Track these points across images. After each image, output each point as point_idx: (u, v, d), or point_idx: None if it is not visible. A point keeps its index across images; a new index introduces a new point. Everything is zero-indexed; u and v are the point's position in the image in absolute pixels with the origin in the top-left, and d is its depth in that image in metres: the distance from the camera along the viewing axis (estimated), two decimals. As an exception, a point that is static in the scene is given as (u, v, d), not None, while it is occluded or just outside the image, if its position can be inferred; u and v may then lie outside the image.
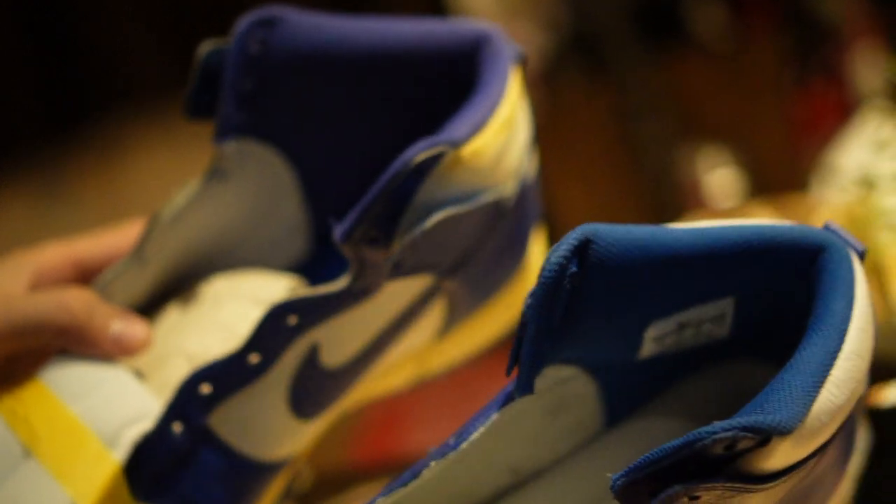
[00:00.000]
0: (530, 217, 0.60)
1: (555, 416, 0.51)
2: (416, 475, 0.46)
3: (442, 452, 0.46)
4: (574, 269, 0.44)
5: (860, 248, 0.47)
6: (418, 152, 0.50)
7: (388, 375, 0.60)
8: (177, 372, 0.55)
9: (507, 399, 0.46)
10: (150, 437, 0.52)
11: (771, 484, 0.41)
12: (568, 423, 0.51)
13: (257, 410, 0.53)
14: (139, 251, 0.56)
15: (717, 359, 0.52)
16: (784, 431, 0.40)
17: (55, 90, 1.74)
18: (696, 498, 0.41)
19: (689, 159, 1.44)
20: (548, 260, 0.44)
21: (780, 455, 0.41)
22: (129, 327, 0.54)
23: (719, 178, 1.31)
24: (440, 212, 0.51)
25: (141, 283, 0.57)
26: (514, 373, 0.45)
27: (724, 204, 1.25)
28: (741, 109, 1.61)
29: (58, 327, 0.53)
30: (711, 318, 0.49)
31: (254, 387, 0.53)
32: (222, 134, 0.56)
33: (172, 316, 0.58)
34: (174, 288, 0.59)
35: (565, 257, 0.44)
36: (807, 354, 0.43)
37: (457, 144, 0.51)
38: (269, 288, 0.58)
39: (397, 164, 0.50)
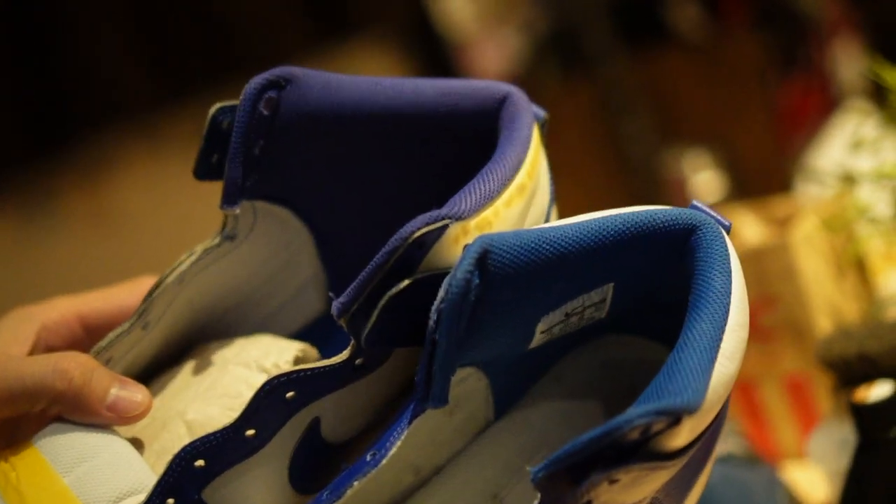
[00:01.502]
0: None
1: (451, 414, 0.52)
2: (339, 495, 0.47)
3: (361, 469, 0.48)
4: (477, 281, 0.45)
5: (727, 223, 0.49)
6: (417, 227, 0.48)
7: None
8: (175, 442, 0.53)
9: (420, 411, 0.48)
10: None
11: (680, 458, 0.44)
12: (462, 418, 0.53)
13: (255, 485, 0.52)
14: (142, 314, 0.54)
15: (590, 337, 0.54)
16: (693, 410, 0.42)
17: (37, 111, 1.74)
18: (616, 481, 0.43)
19: (673, 159, 1.45)
20: (453, 276, 0.45)
21: (687, 432, 0.43)
22: (128, 394, 0.53)
23: (702, 179, 1.32)
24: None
25: (144, 346, 0.56)
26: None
27: (706, 202, 1.25)
28: (722, 105, 1.61)
29: (54, 393, 0.52)
30: (594, 303, 0.50)
31: (250, 461, 0.51)
32: (230, 198, 0.54)
33: (176, 381, 0.56)
34: (181, 351, 0.58)
35: (469, 271, 0.45)
36: (696, 331, 0.45)
37: (461, 217, 0.49)
38: (277, 355, 0.55)
39: (395, 240, 0.48)
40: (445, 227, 0.49)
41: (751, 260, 0.80)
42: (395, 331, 0.49)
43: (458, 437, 0.53)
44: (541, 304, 0.49)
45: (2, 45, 1.72)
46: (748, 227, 0.86)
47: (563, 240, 0.47)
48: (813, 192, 0.90)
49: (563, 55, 1.68)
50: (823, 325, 0.79)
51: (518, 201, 0.52)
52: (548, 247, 0.47)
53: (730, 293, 0.46)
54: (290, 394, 0.50)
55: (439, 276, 0.48)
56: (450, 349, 0.46)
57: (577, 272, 0.48)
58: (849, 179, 0.80)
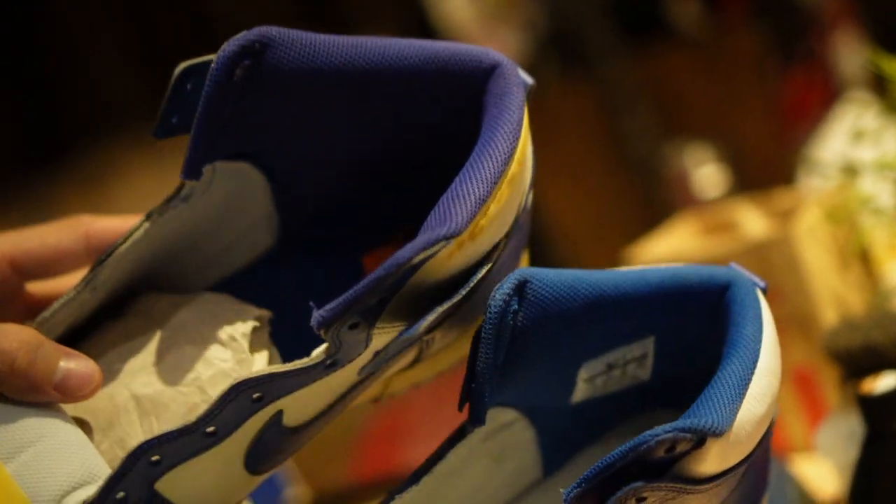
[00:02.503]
0: (518, 247, 0.56)
1: (498, 462, 0.53)
2: None
3: (404, 488, 0.49)
4: (515, 306, 0.48)
5: (762, 284, 0.52)
6: (414, 253, 0.46)
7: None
8: (122, 416, 0.50)
9: (461, 432, 0.50)
10: None
11: (706, 486, 0.46)
12: (510, 470, 0.54)
13: (210, 473, 0.49)
14: (90, 281, 0.51)
15: (641, 410, 0.55)
16: (717, 433, 0.44)
17: (36, 120, 1.74)
18: (643, 500, 0.45)
19: (675, 154, 1.45)
20: (493, 297, 0.47)
21: (714, 459, 0.46)
22: (77, 370, 0.48)
23: (704, 173, 1.31)
24: (431, 314, 0.49)
25: (89, 305, 0.52)
26: (467, 408, 0.49)
27: (709, 198, 1.25)
28: (723, 98, 1.61)
29: None
30: (635, 357, 0.53)
31: (208, 453, 0.49)
32: (192, 168, 0.51)
33: (121, 342, 0.52)
34: (123, 299, 0.54)
35: (508, 294, 0.47)
36: (727, 372, 0.48)
37: (457, 234, 0.48)
38: (232, 327, 0.52)
39: (390, 265, 0.46)
40: (440, 249, 0.48)
41: (754, 253, 0.79)
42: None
43: (506, 490, 0.54)
44: (580, 348, 0.51)
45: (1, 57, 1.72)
46: (751, 221, 0.85)
47: (601, 282, 0.50)
48: (815, 185, 0.89)
49: (563, 54, 1.68)
50: (829, 316, 0.79)
51: (507, 194, 0.50)
52: (586, 286, 0.49)
53: (760, 340, 0.49)
54: (256, 395, 0.48)
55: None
56: (488, 369, 0.48)
57: (615, 318, 0.51)
58: (851, 170, 0.79)
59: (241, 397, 0.48)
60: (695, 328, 0.52)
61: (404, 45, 0.53)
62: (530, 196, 0.54)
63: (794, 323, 0.79)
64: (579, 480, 0.44)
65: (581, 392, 0.52)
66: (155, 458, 0.48)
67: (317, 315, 0.47)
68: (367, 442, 1.00)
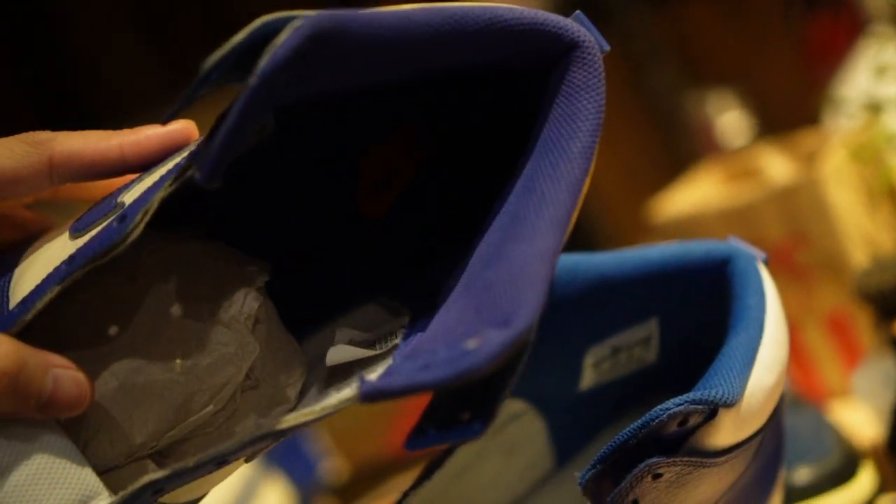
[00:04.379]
0: None
1: (510, 456, 0.53)
2: None
3: (417, 485, 0.48)
4: None
5: (763, 255, 0.51)
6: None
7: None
8: (114, 411, 0.44)
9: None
10: None
11: (722, 458, 0.45)
12: (522, 463, 0.53)
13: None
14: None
15: (651, 392, 0.54)
16: (728, 403, 0.44)
17: (50, 113, 1.74)
18: (659, 476, 0.44)
19: (699, 103, 1.43)
20: None
21: (727, 430, 0.45)
22: (65, 389, 0.43)
23: (728, 120, 1.30)
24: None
25: None
26: None
27: (734, 145, 1.23)
28: (748, 42, 1.59)
29: None
30: (641, 340, 0.52)
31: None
32: (212, 175, 0.42)
33: (104, 316, 0.45)
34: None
35: None
36: (734, 343, 0.47)
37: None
38: (237, 303, 0.46)
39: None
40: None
41: (780, 199, 0.78)
42: None
43: (520, 483, 0.54)
44: (584, 333, 0.51)
45: (9, 47, 1.72)
46: (775, 166, 0.84)
47: (601, 265, 0.50)
48: (840, 124, 0.87)
49: (584, 8, 1.66)
50: (859, 258, 0.77)
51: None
52: (585, 270, 0.49)
53: (764, 310, 0.48)
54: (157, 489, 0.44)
55: None
56: None
57: (617, 301, 0.50)
58: (874, 107, 0.78)
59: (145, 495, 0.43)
60: (698, 306, 0.51)
61: (463, 14, 0.45)
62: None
63: (824, 267, 0.78)
64: (593, 462, 0.43)
65: (588, 378, 0.52)
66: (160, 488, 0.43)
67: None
68: (402, 413, 1.00)
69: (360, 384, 0.39)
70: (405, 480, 0.53)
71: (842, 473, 0.65)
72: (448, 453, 0.49)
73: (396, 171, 0.50)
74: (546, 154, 0.43)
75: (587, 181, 0.43)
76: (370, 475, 0.97)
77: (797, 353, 0.80)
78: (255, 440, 0.42)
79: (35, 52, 1.71)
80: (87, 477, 0.43)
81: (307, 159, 0.49)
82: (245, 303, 0.46)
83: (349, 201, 0.49)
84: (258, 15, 0.48)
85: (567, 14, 0.46)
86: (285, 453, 0.95)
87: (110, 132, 0.48)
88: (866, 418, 0.71)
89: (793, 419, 0.70)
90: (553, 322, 0.49)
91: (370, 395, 0.39)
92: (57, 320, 0.45)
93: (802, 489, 0.64)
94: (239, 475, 0.94)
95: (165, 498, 0.44)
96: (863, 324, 0.78)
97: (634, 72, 1.59)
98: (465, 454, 0.50)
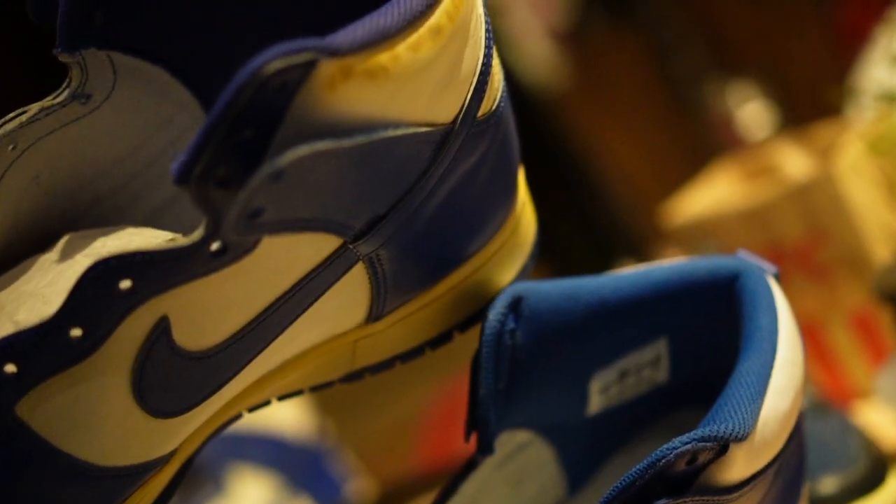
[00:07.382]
0: (507, 159, 0.46)
1: (518, 486, 0.51)
2: None
3: None
4: (512, 325, 0.46)
5: (773, 269, 0.49)
6: (270, 59, 0.35)
7: (299, 368, 0.46)
8: None
9: (471, 463, 0.48)
10: None
11: (736, 494, 0.43)
12: (532, 493, 0.52)
13: (89, 399, 0.40)
14: None
15: (664, 412, 0.53)
16: (739, 437, 0.41)
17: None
18: None
19: (721, 94, 1.41)
20: (486, 319, 0.45)
21: (739, 465, 0.43)
22: None
23: (750, 111, 1.28)
24: (304, 146, 0.37)
25: None
26: (474, 439, 0.47)
27: (755, 138, 1.21)
28: (776, 29, 1.57)
29: None
30: (649, 361, 0.50)
31: (79, 371, 0.39)
32: (66, 39, 0.42)
33: (18, 276, 0.43)
34: (41, 245, 0.45)
35: (503, 314, 0.45)
36: (745, 368, 0.45)
37: (338, 52, 0.37)
38: (128, 242, 0.42)
39: (241, 77, 0.35)
40: (313, 63, 0.36)
41: (797, 197, 0.76)
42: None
43: None
44: (588, 358, 0.49)
45: (12, 41, 1.72)
46: (792, 162, 0.82)
47: (602, 288, 0.48)
48: (858, 116, 0.85)
49: (609, 2, 1.66)
50: (881, 254, 0.75)
51: (430, 47, 0.40)
52: (586, 294, 0.47)
53: (776, 331, 0.46)
54: (124, 283, 0.38)
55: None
56: (490, 394, 0.46)
57: (621, 325, 0.49)
58: (890, 97, 0.76)
59: (105, 284, 0.38)
60: (708, 324, 0.49)
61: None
62: (500, 85, 0.46)
63: (845, 265, 0.76)
64: (601, 501, 0.41)
65: (596, 404, 0.50)
66: (10, 368, 0.39)
67: (175, 165, 0.36)
68: (429, 428, 0.99)
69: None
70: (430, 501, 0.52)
71: (869, 481, 0.63)
72: (450, 492, 0.48)
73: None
74: None
75: None
76: (397, 495, 0.96)
77: (822, 354, 0.78)
78: (89, 273, 0.38)
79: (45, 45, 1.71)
80: None
81: None
82: None
83: None
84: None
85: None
86: (311, 474, 0.95)
87: None
88: (892, 419, 0.69)
89: (816, 425, 0.68)
90: (554, 350, 0.48)
91: (178, 172, 0.36)
92: None
93: (828, 500, 0.62)
94: (264, 497, 0.93)
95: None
96: (888, 321, 0.76)
97: (662, 63, 1.58)
98: (468, 490, 0.49)
